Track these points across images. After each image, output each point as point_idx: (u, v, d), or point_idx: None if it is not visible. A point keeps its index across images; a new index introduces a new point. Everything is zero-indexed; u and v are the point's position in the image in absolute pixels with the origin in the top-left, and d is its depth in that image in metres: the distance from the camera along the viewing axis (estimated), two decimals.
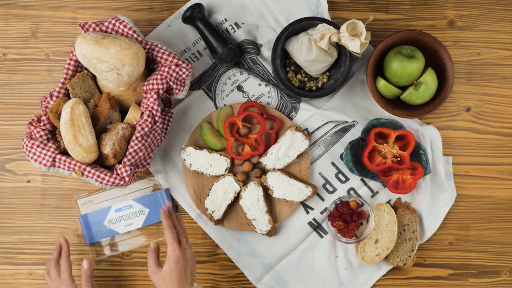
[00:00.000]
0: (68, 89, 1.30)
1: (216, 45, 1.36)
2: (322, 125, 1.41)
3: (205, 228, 1.40)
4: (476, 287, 1.43)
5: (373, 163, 1.37)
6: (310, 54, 1.31)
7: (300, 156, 1.38)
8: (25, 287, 1.41)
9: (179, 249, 1.22)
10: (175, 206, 1.40)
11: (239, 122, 1.37)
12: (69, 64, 1.30)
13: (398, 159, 1.36)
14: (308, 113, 1.41)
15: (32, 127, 1.29)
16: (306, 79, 1.38)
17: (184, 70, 1.30)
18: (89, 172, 1.26)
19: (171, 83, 1.29)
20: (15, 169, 1.41)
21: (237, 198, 1.38)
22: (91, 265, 1.32)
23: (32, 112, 1.41)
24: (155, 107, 1.28)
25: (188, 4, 1.41)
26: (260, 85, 1.41)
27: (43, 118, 1.29)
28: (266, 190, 1.39)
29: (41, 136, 1.28)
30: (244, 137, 1.38)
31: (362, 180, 1.41)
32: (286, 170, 1.39)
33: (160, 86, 1.28)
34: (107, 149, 1.28)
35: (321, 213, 1.41)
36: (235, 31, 1.41)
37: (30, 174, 1.41)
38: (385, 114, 1.41)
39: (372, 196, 1.41)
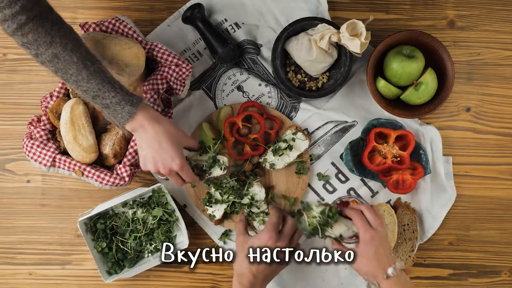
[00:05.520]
0: (68, 89, 1.30)
1: (216, 45, 1.36)
2: (322, 125, 1.41)
3: (205, 228, 1.40)
4: (476, 287, 1.43)
5: (373, 163, 1.36)
6: (310, 54, 1.31)
7: (300, 156, 1.38)
8: (25, 287, 1.40)
9: (371, 230, 1.17)
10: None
11: (239, 122, 1.37)
12: None
13: (398, 159, 1.36)
14: (308, 113, 1.41)
15: (32, 127, 1.29)
16: (306, 79, 1.38)
17: (184, 70, 1.30)
18: (89, 172, 1.27)
19: (171, 83, 1.29)
20: (15, 169, 1.41)
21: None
22: None
23: (32, 112, 1.41)
24: (155, 107, 1.28)
25: (188, 4, 1.41)
26: (260, 85, 1.41)
27: (43, 118, 1.29)
28: (266, 189, 1.38)
29: (41, 136, 1.28)
30: (244, 137, 1.38)
31: (362, 180, 1.41)
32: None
33: (160, 86, 1.28)
34: (107, 149, 1.28)
35: None
36: (235, 31, 1.41)
37: (30, 174, 1.41)
38: (385, 114, 1.41)
39: (372, 196, 1.41)
